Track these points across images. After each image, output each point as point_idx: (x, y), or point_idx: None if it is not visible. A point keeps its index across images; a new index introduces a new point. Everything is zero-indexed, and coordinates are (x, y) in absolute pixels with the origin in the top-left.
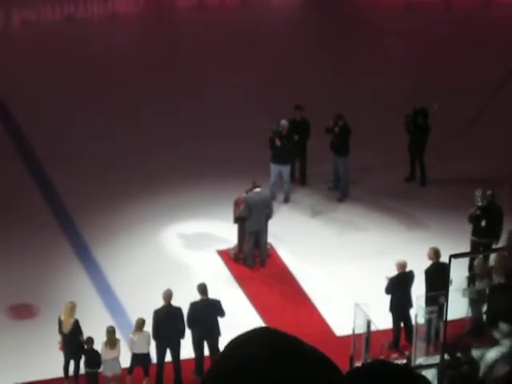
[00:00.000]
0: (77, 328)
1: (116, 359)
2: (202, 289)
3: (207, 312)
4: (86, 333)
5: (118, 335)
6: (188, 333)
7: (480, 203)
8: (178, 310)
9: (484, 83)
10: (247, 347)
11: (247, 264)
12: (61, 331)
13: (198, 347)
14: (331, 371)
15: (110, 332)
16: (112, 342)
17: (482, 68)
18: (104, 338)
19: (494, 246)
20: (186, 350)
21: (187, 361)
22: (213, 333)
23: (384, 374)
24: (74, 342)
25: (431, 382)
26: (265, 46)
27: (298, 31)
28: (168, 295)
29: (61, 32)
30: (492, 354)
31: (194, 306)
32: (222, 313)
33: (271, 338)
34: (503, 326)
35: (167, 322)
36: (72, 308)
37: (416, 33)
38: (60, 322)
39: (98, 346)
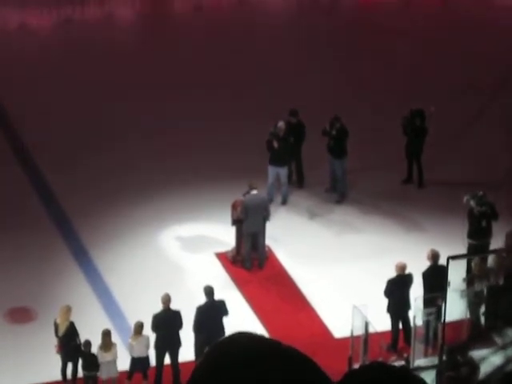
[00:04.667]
0: (72, 330)
1: (112, 362)
2: (209, 291)
3: (214, 315)
4: (84, 336)
5: (115, 338)
6: (190, 336)
7: (476, 205)
8: (177, 314)
9: (482, 84)
10: (230, 351)
11: (245, 266)
12: (57, 334)
13: (200, 352)
14: (314, 372)
15: (106, 335)
16: (107, 344)
17: (480, 69)
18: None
19: (490, 247)
20: (185, 352)
21: (186, 364)
22: (218, 336)
23: (382, 375)
24: (70, 345)
25: None
26: (261, 48)
27: (294, 32)
28: (166, 299)
29: (58, 34)
30: (497, 358)
31: (200, 310)
32: (226, 312)
33: (252, 341)
34: (509, 332)
35: (166, 325)
36: (67, 311)
37: (414, 32)
38: (56, 326)
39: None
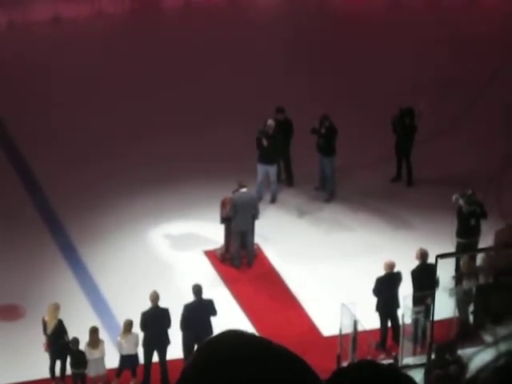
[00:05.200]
0: (61, 328)
1: (100, 360)
2: (197, 290)
3: (201, 313)
4: (73, 333)
5: (104, 336)
6: (178, 334)
7: (465, 204)
8: (166, 311)
9: (470, 82)
10: (218, 351)
11: (234, 264)
12: (45, 332)
13: (188, 350)
14: (304, 371)
15: (93, 332)
16: (94, 342)
17: (467, 67)
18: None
19: (479, 245)
20: (173, 350)
21: (174, 361)
22: (205, 334)
23: (370, 374)
24: (59, 343)
25: (417, 383)
26: (251, 46)
27: (283, 31)
28: (155, 297)
29: (47, 32)
30: (485, 356)
31: (187, 308)
32: (214, 312)
33: (242, 340)
34: (500, 330)
35: (155, 323)
36: (55, 309)
37: (403, 30)
38: (44, 323)
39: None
